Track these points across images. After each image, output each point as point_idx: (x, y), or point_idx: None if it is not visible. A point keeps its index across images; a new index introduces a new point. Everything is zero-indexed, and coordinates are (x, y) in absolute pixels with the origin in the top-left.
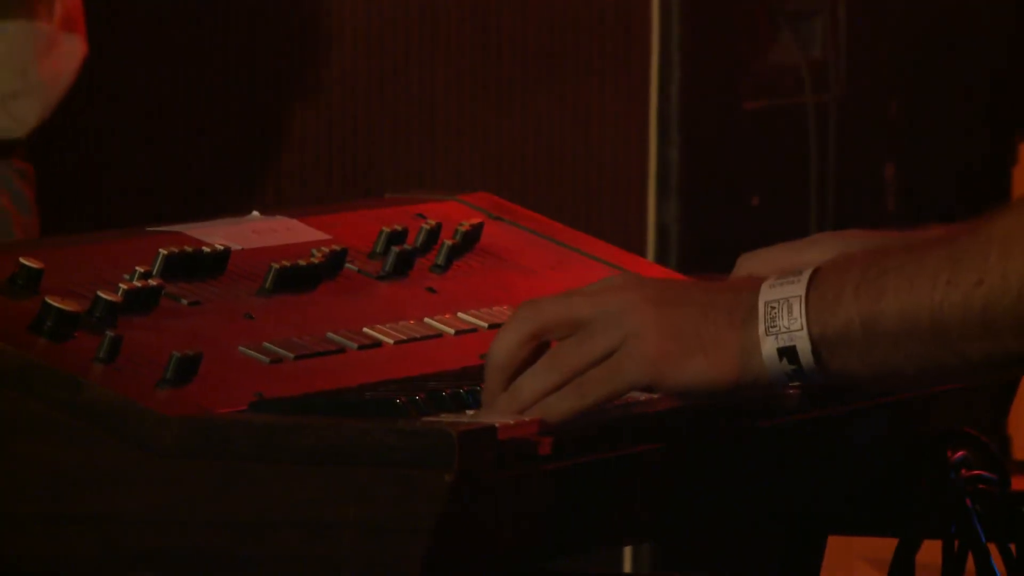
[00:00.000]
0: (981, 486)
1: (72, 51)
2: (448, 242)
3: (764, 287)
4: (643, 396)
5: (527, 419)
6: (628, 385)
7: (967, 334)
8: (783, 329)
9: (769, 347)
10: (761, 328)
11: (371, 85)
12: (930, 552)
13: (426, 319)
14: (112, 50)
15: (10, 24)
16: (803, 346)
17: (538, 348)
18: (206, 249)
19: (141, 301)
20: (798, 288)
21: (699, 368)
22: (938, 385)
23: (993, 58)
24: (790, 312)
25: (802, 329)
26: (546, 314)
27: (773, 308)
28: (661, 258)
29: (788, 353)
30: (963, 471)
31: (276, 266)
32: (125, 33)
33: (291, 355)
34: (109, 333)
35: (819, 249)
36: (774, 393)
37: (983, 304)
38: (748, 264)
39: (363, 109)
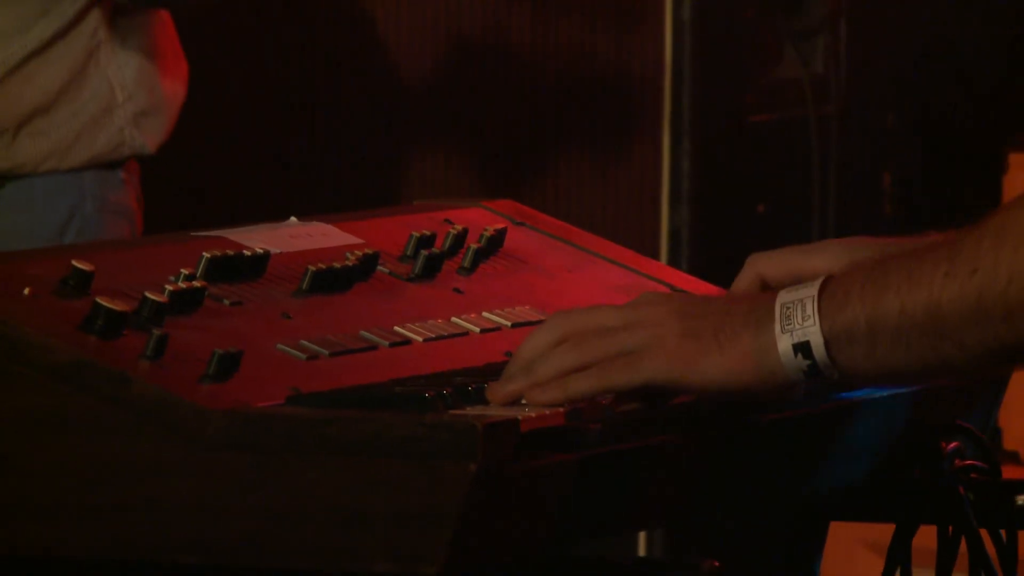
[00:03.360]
0: (973, 475)
1: (181, 70)
2: (474, 246)
3: (781, 293)
4: None
5: (548, 412)
6: (647, 377)
7: (964, 323)
8: (797, 326)
9: (785, 344)
10: (777, 327)
11: (405, 100)
12: (926, 537)
13: (453, 318)
14: None
15: (143, 45)
16: (816, 340)
17: None
18: (246, 253)
19: (185, 301)
20: (811, 290)
21: (717, 365)
22: (941, 380)
23: (984, 74)
24: (804, 310)
25: (815, 325)
26: (576, 321)
27: (788, 308)
28: (673, 261)
29: (803, 349)
30: (956, 461)
31: (312, 268)
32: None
33: (326, 352)
34: (155, 331)
35: (826, 254)
36: (791, 395)
37: (978, 292)
38: (757, 263)
39: (396, 123)
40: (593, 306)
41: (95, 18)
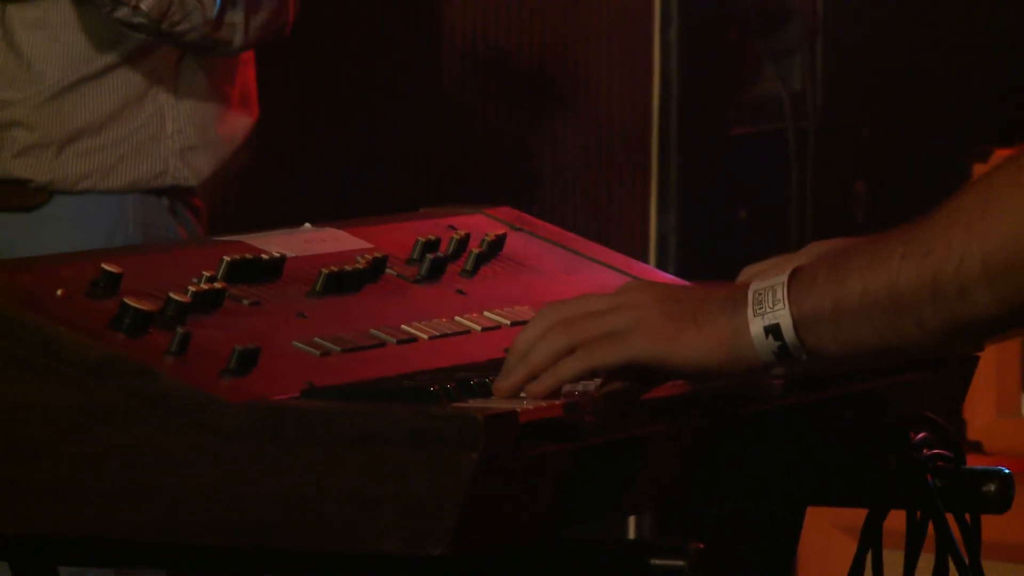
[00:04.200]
0: (940, 463)
1: (245, 117)
2: (476, 250)
3: (754, 281)
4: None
5: (546, 404)
6: (631, 355)
7: (921, 301)
8: (768, 310)
9: (757, 326)
10: (750, 311)
11: (412, 113)
12: (896, 520)
13: (456, 317)
14: None
15: (199, 87)
16: (785, 323)
17: None
18: (264, 256)
19: (207, 302)
20: (782, 278)
21: (694, 343)
22: (903, 358)
23: (948, 92)
24: (774, 295)
25: (784, 308)
26: (565, 308)
27: (760, 294)
28: (661, 263)
29: (773, 330)
30: (924, 450)
31: (325, 271)
32: None
33: (338, 349)
34: (179, 330)
35: (809, 255)
36: (763, 376)
37: (932, 272)
38: (751, 272)
39: (412, 134)
40: (582, 295)
41: (162, 54)
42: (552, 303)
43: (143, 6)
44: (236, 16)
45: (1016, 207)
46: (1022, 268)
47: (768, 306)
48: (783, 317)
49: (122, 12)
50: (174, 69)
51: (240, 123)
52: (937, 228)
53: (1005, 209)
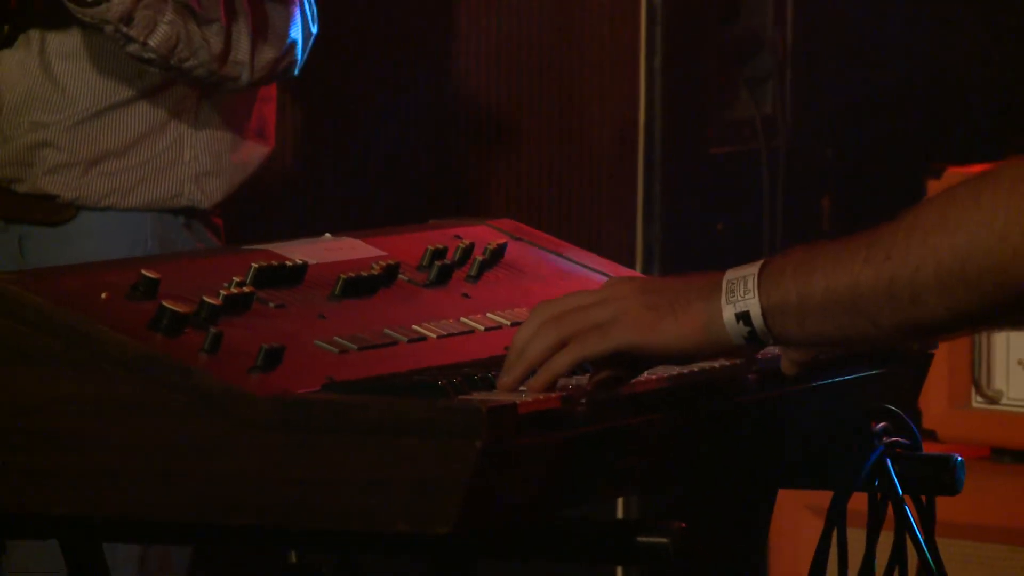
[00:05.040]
0: (898, 450)
1: (260, 147)
2: (479, 258)
3: (727, 272)
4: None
5: (542, 397)
6: (616, 344)
7: (878, 303)
8: (739, 298)
9: (729, 313)
10: (723, 299)
11: (420, 131)
12: (858, 502)
13: (462, 318)
14: None
15: (217, 119)
16: (755, 311)
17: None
18: (288, 263)
19: (237, 304)
20: (752, 269)
21: (672, 329)
22: (861, 349)
23: (906, 116)
24: (745, 285)
25: (754, 297)
26: (555, 305)
27: (733, 284)
28: (646, 270)
29: (744, 317)
30: (884, 438)
31: (344, 276)
32: None
33: (355, 347)
34: (212, 330)
35: None
36: (736, 356)
37: (890, 277)
38: None
39: (416, 151)
40: (571, 293)
41: (184, 88)
42: (544, 301)
43: (151, 43)
44: (242, 54)
45: (970, 223)
46: (971, 279)
47: (739, 295)
48: (752, 305)
49: (133, 48)
50: (195, 102)
51: (255, 153)
52: (898, 236)
53: (960, 225)
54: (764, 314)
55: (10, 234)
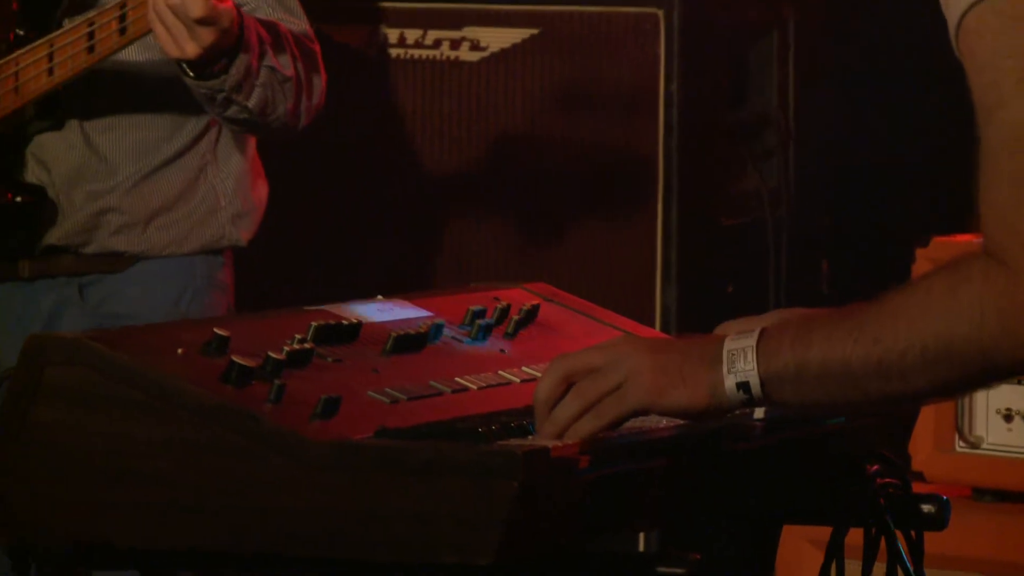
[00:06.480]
0: (890, 490)
1: (265, 185)
2: (515, 317)
3: (727, 340)
4: (641, 423)
5: (569, 442)
6: (631, 409)
7: (868, 378)
8: (740, 370)
9: (730, 382)
10: (725, 369)
11: (462, 198)
12: (855, 536)
13: (500, 372)
14: None
15: (233, 163)
16: (754, 382)
17: (568, 387)
18: (345, 322)
19: (299, 359)
20: (751, 340)
21: (680, 396)
22: (850, 413)
23: (898, 188)
24: (745, 357)
25: (753, 369)
26: (571, 363)
27: (733, 354)
28: (664, 328)
29: (744, 386)
30: (878, 479)
31: (395, 334)
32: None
33: (404, 397)
34: (276, 382)
35: (772, 319)
36: (735, 413)
37: (879, 357)
38: (724, 328)
39: (459, 219)
40: (581, 350)
41: (206, 141)
42: (559, 356)
43: (250, 104)
44: (303, 105)
45: (950, 314)
46: (955, 361)
47: (740, 365)
48: (752, 376)
49: (232, 110)
50: (213, 153)
51: (264, 190)
52: (885, 320)
53: (941, 312)
54: (763, 383)
55: (72, 284)
